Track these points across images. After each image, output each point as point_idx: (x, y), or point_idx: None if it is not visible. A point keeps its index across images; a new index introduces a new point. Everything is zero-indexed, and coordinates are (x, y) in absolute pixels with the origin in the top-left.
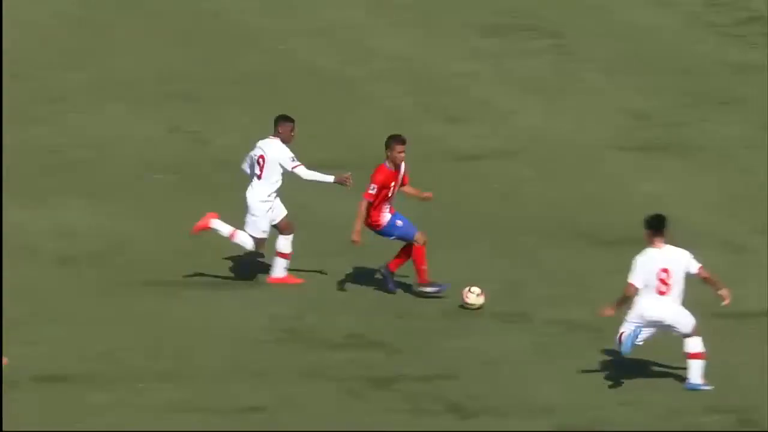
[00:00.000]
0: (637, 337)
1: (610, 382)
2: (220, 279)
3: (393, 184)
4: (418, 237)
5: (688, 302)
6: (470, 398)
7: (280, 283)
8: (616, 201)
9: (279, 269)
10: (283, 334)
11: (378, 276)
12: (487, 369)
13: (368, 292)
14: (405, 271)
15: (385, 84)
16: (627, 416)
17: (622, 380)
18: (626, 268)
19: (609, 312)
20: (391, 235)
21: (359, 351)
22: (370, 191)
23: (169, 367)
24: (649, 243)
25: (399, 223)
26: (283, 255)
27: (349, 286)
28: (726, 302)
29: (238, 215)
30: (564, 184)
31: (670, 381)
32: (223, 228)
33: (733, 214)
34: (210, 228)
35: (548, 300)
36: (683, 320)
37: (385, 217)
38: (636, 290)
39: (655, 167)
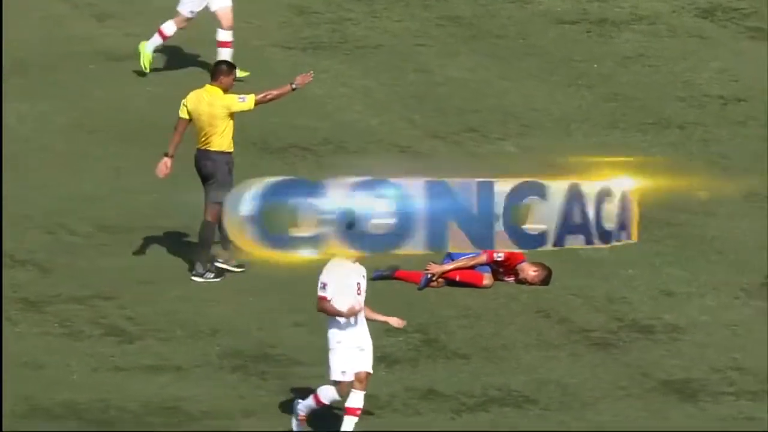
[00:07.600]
0: None
1: (282, 306)
2: None
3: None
4: None
5: None
6: (131, 321)
7: None
8: (283, 104)
9: None
10: None
11: None
12: (147, 289)
13: (16, 206)
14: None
15: None
16: (299, 338)
17: (298, 303)
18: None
19: None
20: None
21: (7, 270)
22: None
23: None
24: None
25: None
26: None
27: None
28: None
29: None
30: None
31: None
32: None
33: (408, 117)
34: None
35: None
36: None
37: None
38: None
39: (324, 67)
